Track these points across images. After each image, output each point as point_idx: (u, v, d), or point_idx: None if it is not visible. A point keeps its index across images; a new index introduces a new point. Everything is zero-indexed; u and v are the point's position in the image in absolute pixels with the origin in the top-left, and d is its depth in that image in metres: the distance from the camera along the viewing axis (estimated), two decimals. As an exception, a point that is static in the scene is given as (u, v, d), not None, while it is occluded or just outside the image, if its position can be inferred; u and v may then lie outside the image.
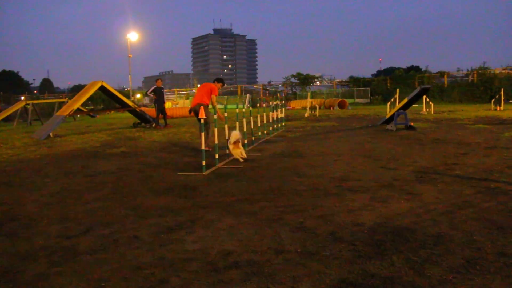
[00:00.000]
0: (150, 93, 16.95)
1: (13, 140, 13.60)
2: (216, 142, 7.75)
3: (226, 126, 8.64)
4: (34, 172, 7.68)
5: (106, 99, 33.61)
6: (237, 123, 9.17)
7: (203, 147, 7.32)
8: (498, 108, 20.92)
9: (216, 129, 7.86)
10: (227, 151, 8.35)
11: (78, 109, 17.22)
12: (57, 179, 6.99)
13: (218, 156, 7.75)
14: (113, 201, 5.40)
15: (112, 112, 29.87)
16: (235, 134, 8.04)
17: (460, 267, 3.12)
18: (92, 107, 37.03)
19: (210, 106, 9.82)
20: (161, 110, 16.65)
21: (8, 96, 54.48)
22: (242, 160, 8.03)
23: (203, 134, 7.44)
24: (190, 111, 9.08)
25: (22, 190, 6.29)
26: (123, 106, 17.68)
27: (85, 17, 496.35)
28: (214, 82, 10.17)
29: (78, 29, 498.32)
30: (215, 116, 9.06)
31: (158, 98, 16.51)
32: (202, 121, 7.48)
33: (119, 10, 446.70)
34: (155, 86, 16.67)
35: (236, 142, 8.05)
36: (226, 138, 8.38)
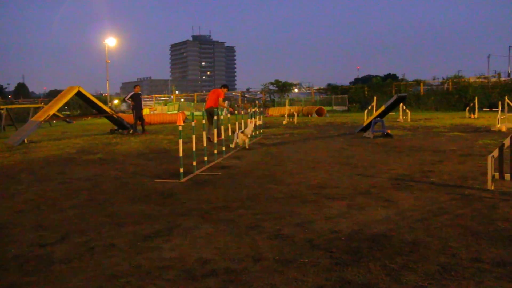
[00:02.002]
0: (128, 99, 16.81)
1: (-15, 146, 13.28)
2: (194, 149, 7.74)
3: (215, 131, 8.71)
4: (7, 179, 7.51)
5: (83, 105, 33.13)
6: (215, 130, 9.17)
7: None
8: (473, 116, 21.35)
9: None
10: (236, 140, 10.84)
11: (54, 114, 16.99)
12: (31, 186, 6.85)
13: (196, 163, 7.72)
14: (89, 209, 5.32)
15: (89, 118, 29.48)
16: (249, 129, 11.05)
17: (436, 274, 3.16)
18: (68, 112, 36.48)
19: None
20: (139, 116, 16.52)
21: (-19, 101, 53.21)
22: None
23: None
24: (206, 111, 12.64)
25: (-5, 197, 6.14)
26: (100, 112, 17.50)
27: (62, 21, 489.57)
28: (221, 87, 13.38)
29: (55, 33, 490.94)
30: (227, 114, 12.84)
31: (136, 104, 16.37)
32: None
33: (97, 15, 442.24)
34: (133, 92, 16.54)
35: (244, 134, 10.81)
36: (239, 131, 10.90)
